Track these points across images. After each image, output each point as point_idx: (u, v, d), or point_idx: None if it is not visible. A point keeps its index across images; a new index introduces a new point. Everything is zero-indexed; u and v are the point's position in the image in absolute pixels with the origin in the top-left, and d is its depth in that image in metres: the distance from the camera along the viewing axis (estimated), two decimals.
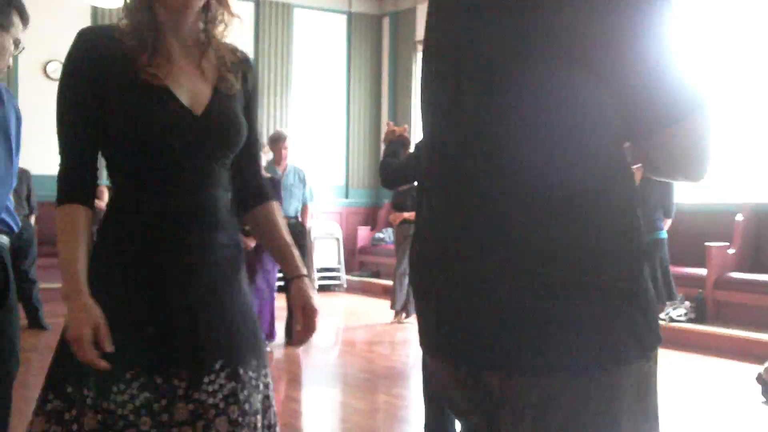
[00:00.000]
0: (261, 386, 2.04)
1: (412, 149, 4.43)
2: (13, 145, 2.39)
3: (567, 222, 1.23)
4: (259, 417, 2.01)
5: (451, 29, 1.38)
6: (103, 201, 8.52)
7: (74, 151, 1.97)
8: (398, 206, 8.99)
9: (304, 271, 2.12)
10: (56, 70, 11.07)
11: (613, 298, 1.22)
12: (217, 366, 1.95)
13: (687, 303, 7.90)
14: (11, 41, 2.56)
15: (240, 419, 1.95)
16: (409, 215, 8.83)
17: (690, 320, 7.81)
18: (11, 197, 2.46)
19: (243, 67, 2.10)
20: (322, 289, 12.04)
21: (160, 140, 1.93)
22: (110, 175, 2.00)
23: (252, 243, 6.81)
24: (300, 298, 2.09)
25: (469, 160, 1.32)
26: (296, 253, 2.13)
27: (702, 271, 8.01)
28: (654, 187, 6.78)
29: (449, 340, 1.34)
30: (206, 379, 1.93)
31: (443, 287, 1.34)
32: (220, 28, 2.05)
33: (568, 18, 1.20)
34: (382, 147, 4.74)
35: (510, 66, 1.26)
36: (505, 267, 1.24)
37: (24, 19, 2.59)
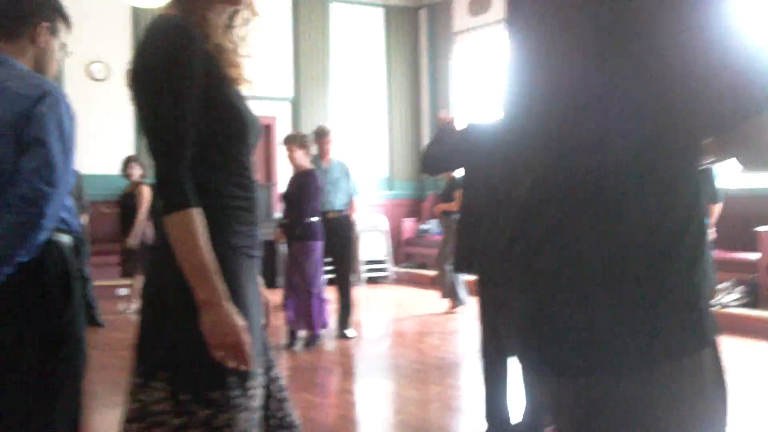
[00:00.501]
0: None
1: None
2: (69, 144, 2.44)
3: (611, 222, 1.22)
4: None
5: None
6: (145, 200, 8.64)
7: (186, 151, 1.88)
8: (441, 197, 9.05)
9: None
10: (100, 71, 11.22)
11: (653, 295, 1.21)
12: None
13: (739, 288, 7.80)
14: (58, 45, 2.65)
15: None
16: (450, 206, 8.85)
17: (743, 305, 7.72)
18: (68, 195, 2.51)
19: None
20: (370, 281, 12.09)
21: (253, 136, 2.02)
22: (196, 173, 1.90)
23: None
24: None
25: (530, 159, 1.33)
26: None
27: (754, 256, 7.90)
28: None
29: (517, 343, 1.36)
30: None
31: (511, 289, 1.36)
32: (244, 26, 2.10)
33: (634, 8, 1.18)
34: (424, 133, 4.77)
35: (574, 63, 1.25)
36: (553, 270, 1.25)
37: (67, 23, 2.68)
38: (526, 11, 1.37)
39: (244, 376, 1.93)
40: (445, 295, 9.19)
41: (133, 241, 8.85)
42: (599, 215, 1.22)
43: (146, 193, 8.93)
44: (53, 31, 2.60)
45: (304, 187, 6.99)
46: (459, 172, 8.89)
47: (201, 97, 1.90)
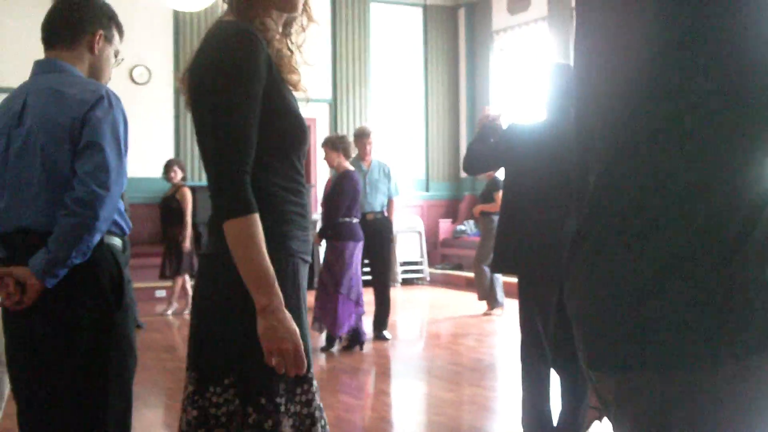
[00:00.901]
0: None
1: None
2: (123, 148, 2.50)
3: (678, 218, 1.21)
4: None
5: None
6: (189, 203, 8.71)
7: (249, 157, 1.89)
8: (481, 198, 9.04)
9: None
10: (141, 74, 11.37)
11: (721, 292, 1.19)
12: None
13: None
14: (113, 52, 2.72)
15: None
16: (489, 207, 8.83)
17: None
18: (121, 200, 2.56)
19: None
20: (406, 282, 12.10)
21: (307, 142, 2.06)
22: (257, 179, 1.91)
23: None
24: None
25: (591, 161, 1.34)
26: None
27: None
28: None
29: (577, 340, 1.36)
30: None
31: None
32: (301, 33, 2.14)
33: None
34: (462, 134, 4.73)
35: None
36: (601, 267, 1.26)
37: (120, 32, 2.76)
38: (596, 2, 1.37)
39: (295, 382, 1.96)
40: (482, 297, 9.17)
41: (187, 244, 8.94)
42: (667, 210, 1.21)
43: (189, 196, 9.02)
44: (108, 39, 2.68)
45: (339, 188, 7.00)
46: (500, 173, 8.91)
47: (264, 102, 1.93)
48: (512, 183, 4.11)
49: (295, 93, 2.11)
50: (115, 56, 2.75)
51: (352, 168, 7.23)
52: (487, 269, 8.84)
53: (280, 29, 2.09)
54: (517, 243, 3.97)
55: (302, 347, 1.87)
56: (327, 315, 7.04)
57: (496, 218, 8.78)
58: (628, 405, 1.28)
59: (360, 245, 7.15)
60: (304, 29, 2.15)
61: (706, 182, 1.21)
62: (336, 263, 6.99)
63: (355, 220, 7.11)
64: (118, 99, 2.55)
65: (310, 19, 2.15)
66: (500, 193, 8.67)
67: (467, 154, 4.26)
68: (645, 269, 1.22)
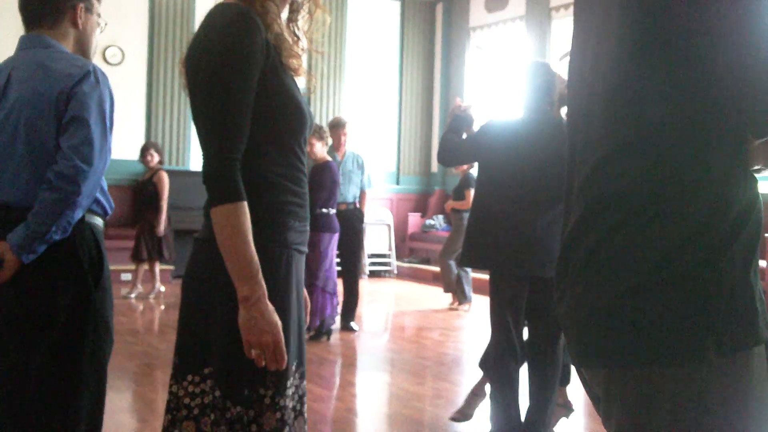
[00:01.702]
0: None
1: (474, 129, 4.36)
2: (108, 124, 2.48)
3: (668, 219, 1.23)
4: None
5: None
6: (166, 186, 8.65)
7: (241, 144, 1.85)
8: (453, 194, 9.07)
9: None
10: (115, 55, 11.24)
11: (708, 290, 1.22)
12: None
13: None
14: (96, 19, 2.69)
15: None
16: (460, 204, 8.86)
17: None
18: (104, 178, 2.54)
19: None
20: (373, 274, 12.11)
21: (307, 127, 2.00)
22: (254, 166, 1.88)
23: None
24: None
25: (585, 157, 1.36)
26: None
27: (762, 263, 7.88)
28: None
29: (568, 336, 1.38)
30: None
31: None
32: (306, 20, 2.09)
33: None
34: (435, 130, 4.72)
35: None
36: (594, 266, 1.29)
37: None
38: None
39: (278, 375, 1.92)
40: (447, 290, 9.21)
41: (161, 228, 8.87)
42: (659, 213, 1.23)
43: (165, 180, 8.95)
44: (89, 9, 2.65)
45: (319, 179, 6.97)
46: (473, 170, 8.93)
47: (261, 87, 1.88)
48: (487, 178, 4.11)
49: (297, 79, 2.07)
50: (98, 21, 2.72)
51: (330, 158, 7.22)
52: (452, 264, 8.88)
53: (285, 14, 2.05)
54: (491, 239, 3.98)
55: (283, 341, 1.81)
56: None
57: (466, 215, 8.82)
58: (616, 400, 1.30)
59: (336, 237, 7.14)
60: (311, 15, 2.09)
61: (696, 186, 1.23)
62: (311, 255, 6.96)
63: (332, 212, 7.09)
64: (105, 76, 2.52)
65: (317, 5, 2.10)
66: (472, 191, 8.73)
67: (442, 145, 4.22)
68: (636, 268, 1.24)
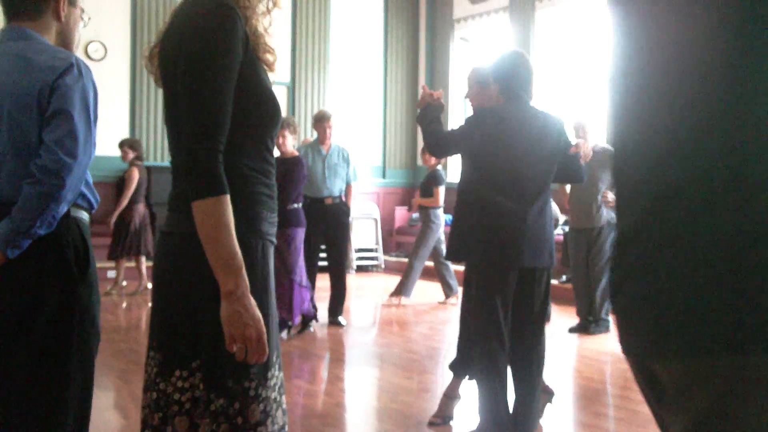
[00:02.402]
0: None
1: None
2: (92, 117, 2.45)
3: (739, 215, 1.21)
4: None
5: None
6: (133, 182, 8.63)
7: (223, 136, 1.83)
8: (421, 190, 9.01)
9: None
10: (97, 50, 11.16)
11: (708, 285, 1.20)
12: None
13: None
14: (79, 12, 2.66)
15: None
16: (429, 201, 8.80)
17: None
18: (88, 172, 2.50)
19: None
20: (360, 269, 12.08)
21: (279, 123, 2.00)
22: (228, 158, 1.85)
23: None
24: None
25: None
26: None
27: None
28: None
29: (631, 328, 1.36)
30: None
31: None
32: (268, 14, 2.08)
33: None
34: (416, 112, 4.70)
35: None
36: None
37: None
38: None
39: (262, 367, 1.91)
40: (404, 292, 9.11)
41: (111, 221, 8.90)
42: (728, 207, 1.20)
43: (135, 175, 8.94)
44: (71, 2, 2.61)
45: (290, 174, 6.93)
46: (440, 167, 8.89)
47: (239, 81, 1.87)
48: (478, 170, 4.07)
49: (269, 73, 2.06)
50: (82, 14, 2.68)
51: (298, 153, 7.20)
52: (417, 265, 8.85)
53: (260, 8, 2.04)
54: (486, 231, 3.95)
55: (265, 335, 1.81)
56: (281, 302, 6.98)
57: (435, 212, 8.81)
58: (693, 391, 1.27)
59: (303, 230, 7.11)
60: (269, 11, 2.07)
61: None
62: (287, 250, 6.92)
63: (300, 206, 7.06)
64: (88, 68, 2.49)
65: (275, 3, 2.08)
66: (441, 189, 8.69)
67: (433, 137, 4.12)
68: (716, 253, 1.21)
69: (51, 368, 2.42)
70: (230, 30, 1.84)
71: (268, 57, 2.01)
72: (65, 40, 2.61)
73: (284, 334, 7.06)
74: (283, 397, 2.03)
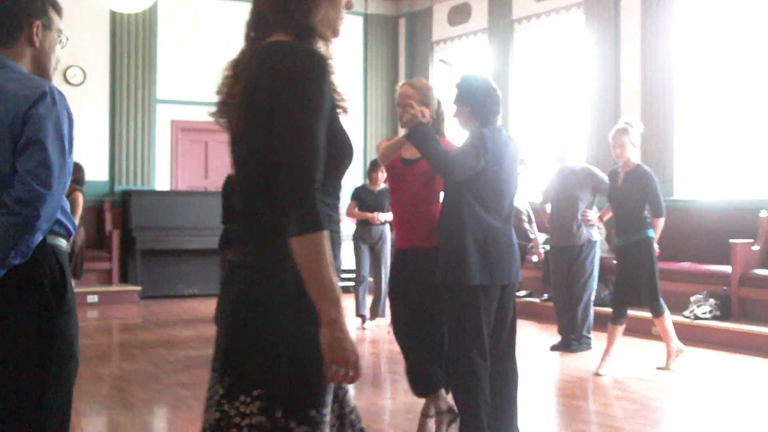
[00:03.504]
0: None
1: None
2: (66, 145, 2.43)
3: None
4: None
5: None
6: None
7: (321, 173, 1.95)
8: (372, 207, 9.01)
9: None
10: (75, 75, 11.15)
11: None
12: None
13: (711, 300, 7.86)
14: (56, 35, 2.63)
15: None
16: (366, 215, 8.84)
17: (715, 317, 7.77)
18: (65, 198, 2.49)
19: None
20: (344, 290, 12.03)
21: (346, 167, 2.11)
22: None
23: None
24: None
25: None
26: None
27: (726, 269, 7.96)
28: (636, 185, 6.41)
29: None
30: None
31: None
32: None
33: None
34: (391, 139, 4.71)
35: None
36: None
37: (58, 10, 2.67)
38: None
39: (331, 394, 2.03)
40: (372, 316, 9.11)
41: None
42: None
43: (80, 199, 8.67)
44: (47, 26, 2.58)
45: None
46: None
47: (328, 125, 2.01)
48: (481, 191, 4.07)
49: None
50: (59, 36, 2.66)
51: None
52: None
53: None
54: (495, 252, 4.02)
55: (360, 360, 1.94)
56: None
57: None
58: None
59: None
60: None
61: None
62: None
63: None
64: (62, 95, 2.47)
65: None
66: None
67: (444, 158, 3.98)
68: None
69: (28, 396, 2.40)
70: (324, 77, 1.99)
71: (344, 103, 2.13)
72: (40, 65, 2.59)
73: None
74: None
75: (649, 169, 6.57)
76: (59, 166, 2.38)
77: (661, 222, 6.41)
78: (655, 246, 6.37)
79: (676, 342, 6.50)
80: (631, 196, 6.37)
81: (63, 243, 2.53)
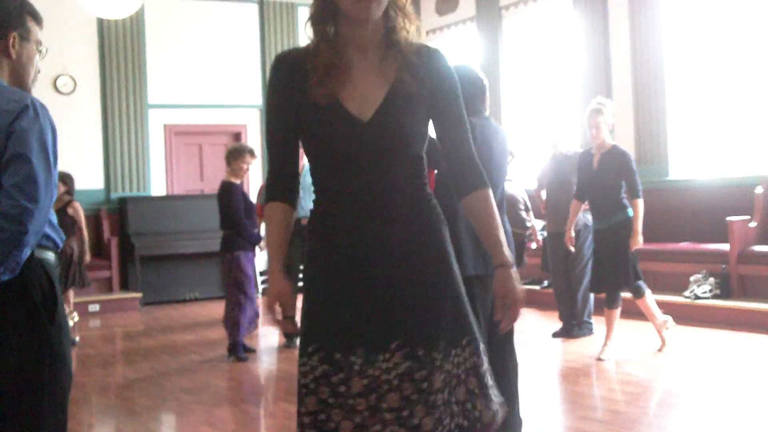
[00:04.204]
0: (447, 366, 2.13)
1: None
2: (51, 158, 2.41)
3: None
4: (440, 395, 2.09)
5: None
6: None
7: (277, 162, 2.29)
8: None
9: (508, 261, 2.19)
10: (66, 84, 11.12)
11: None
12: (393, 345, 2.10)
13: (711, 279, 7.86)
14: (34, 47, 2.60)
15: (414, 396, 2.07)
16: None
17: (715, 296, 7.77)
18: (53, 211, 2.48)
19: (426, 64, 2.23)
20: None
21: (331, 150, 2.16)
22: (312, 178, 2.26)
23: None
24: (501, 287, 2.18)
25: None
26: (503, 241, 2.22)
27: (725, 247, 7.95)
28: (612, 167, 6.29)
29: None
30: (381, 357, 2.09)
31: None
32: (402, 34, 2.21)
33: None
34: None
35: None
36: None
37: (37, 20, 2.62)
38: None
39: (370, 348, 2.15)
40: None
41: (87, 256, 8.66)
42: None
43: (80, 208, 8.63)
44: (24, 36, 2.55)
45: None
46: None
47: (295, 119, 2.26)
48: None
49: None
50: (38, 48, 2.62)
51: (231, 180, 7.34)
52: None
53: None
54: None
55: (268, 304, 2.24)
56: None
57: None
58: None
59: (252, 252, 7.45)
60: None
61: None
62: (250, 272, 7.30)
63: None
64: (44, 108, 2.45)
65: (410, 21, 2.31)
66: None
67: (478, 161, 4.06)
68: None
69: (22, 412, 2.39)
70: (272, 79, 2.30)
71: (320, 92, 2.27)
72: (19, 78, 2.56)
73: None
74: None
75: (625, 149, 6.46)
76: (45, 179, 2.36)
77: (640, 204, 6.22)
78: (639, 227, 6.22)
79: (660, 316, 6.48)
80: (608, 178, 6.27)
81: (51, 256, 2.52)
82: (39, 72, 2.68)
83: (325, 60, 2.14)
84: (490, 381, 2.23)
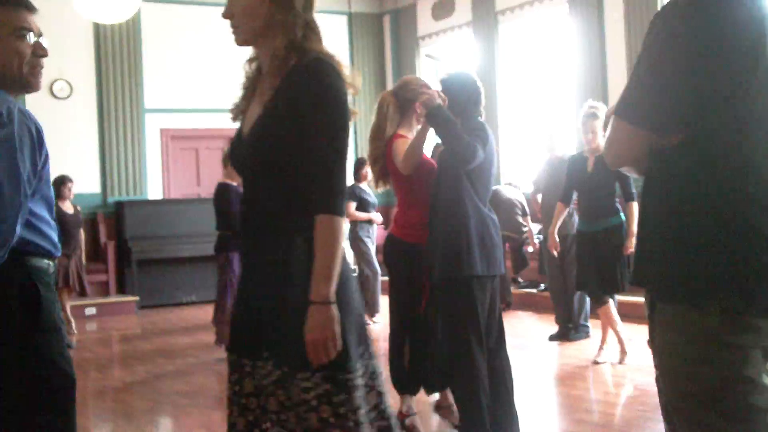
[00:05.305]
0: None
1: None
2: (20, 167, 2.28)
3: None
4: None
5: None
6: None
7: None
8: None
9: (327, 299, 2.05)
10: (62, 89, 11.12)
11: None
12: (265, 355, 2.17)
13: None
14: (15, 32, 2.45)
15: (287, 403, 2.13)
16: (364, 216, 8.96)
17: None
18: (47, 219, 2.42)
19: (294, 78, 2.16)
20: None
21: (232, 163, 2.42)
22: None
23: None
24: (310, 324, 2.06)
25: None
26: (332, 276, 2.07)
27: None
28: (608, 170, 5.98)
29: None
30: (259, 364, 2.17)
31: None
32: (279, 53, 2.21)
33: None
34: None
35: None
36: None
37: (25, 4, 2.48)
38: None
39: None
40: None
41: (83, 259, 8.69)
42: None
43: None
44: (24, 36, 2.43)
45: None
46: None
47: None
48: (485, 182, 4.17)
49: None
50: (19, 33, 2.45)
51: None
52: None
53: None
54: (488, 242, 4.08)
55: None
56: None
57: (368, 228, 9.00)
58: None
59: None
60: None
61: None
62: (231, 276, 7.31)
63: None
64: (23, 113, 2.33)
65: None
66: (353, 205, 8.77)
67: (466, 145, 3.94)
68: None
69: (19, 423, 2.33)
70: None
71: None
72: (1, 68, 2.41)
73: None
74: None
75: None
76: (11, 192, 2.24)
77: (635, 207, 6.14)
78: (634, 229, 6.16)
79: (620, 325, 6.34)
80: (603, 181, 6.26)
81: (42, 262, 2.42)
82: (41, 67, 2.55)
83: (243, 82, 2.41)
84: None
